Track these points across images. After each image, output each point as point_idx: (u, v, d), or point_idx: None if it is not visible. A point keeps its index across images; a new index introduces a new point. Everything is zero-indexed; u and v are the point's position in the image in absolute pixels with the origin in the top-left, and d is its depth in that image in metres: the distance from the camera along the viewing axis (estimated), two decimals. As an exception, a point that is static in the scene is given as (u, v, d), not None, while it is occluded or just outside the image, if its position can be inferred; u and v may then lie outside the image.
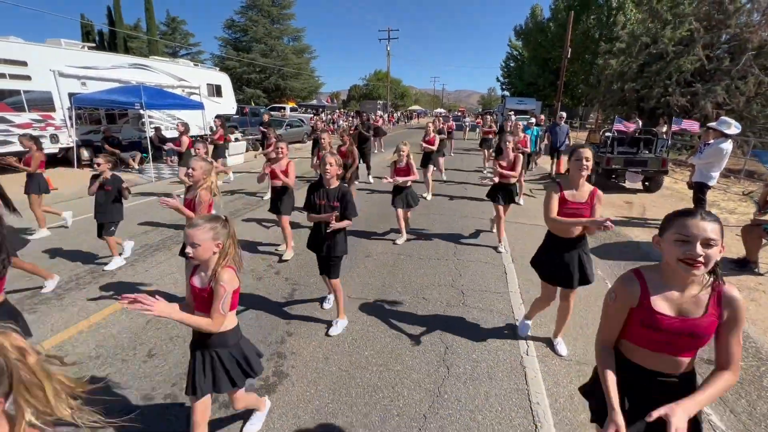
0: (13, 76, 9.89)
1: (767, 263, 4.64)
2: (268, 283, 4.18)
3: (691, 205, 6.48)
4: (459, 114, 44.86)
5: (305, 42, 42.40)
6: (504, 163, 5.09)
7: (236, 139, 14.66)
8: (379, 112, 31.65)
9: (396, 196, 5.28)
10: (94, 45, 14.43)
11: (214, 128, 10.07)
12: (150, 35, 34.43)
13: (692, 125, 8.77)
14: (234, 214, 6.74)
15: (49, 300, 3.74)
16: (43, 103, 10.54)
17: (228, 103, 18.13)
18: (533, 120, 11.20)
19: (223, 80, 18.15)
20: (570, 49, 24.02)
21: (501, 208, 5.13)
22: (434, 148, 7.86)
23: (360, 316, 3.54)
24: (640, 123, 11.41)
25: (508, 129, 8.56)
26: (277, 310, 3.62)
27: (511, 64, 44.49)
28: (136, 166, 11.41)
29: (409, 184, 5.30)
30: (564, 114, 10.40)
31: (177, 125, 8.42)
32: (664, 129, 12.16)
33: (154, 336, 3.18)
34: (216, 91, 17.46)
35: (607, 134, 9.25)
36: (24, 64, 10.09)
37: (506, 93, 45.87)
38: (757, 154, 4.94)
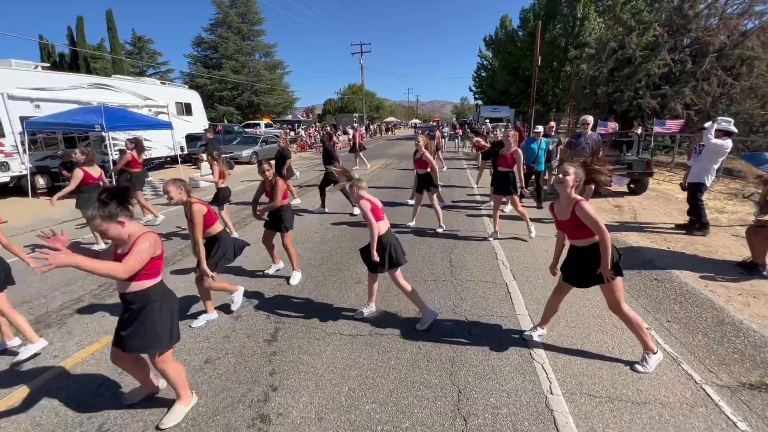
0: (-46, 101, 9.01)
1: (774, 265, 4.47)
2: (246, 322, 3.66)
3: (683, 206, 6.40)
4: (434, 124, 45.22)
5: (278, 57, 42.00)
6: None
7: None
8: (356, 124, 31.42)
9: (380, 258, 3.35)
10: (48, 65, 13.52)
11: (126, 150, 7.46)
12: (114, 55, 33.23)
13: (676, 125, 8.83)
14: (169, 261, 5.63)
15: (-22, 364, 3.10)
16: (-10, 128, 9.65)
17: (199, 122, 17.42)
18: (540, 129, 8.11)
19: (193, 98, 17.49)
20: (540, 57, 24.64)
21: None
22: (428, 170, 6.27)
23: (356, 358, 3.07)
24: (617, 126, 11.54)
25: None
26: (258, 357, 3.11)
27: (483, 74, 45.49)
28: (99, 192, 10.57)
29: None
30: (590, 119, 6.73)
31: (74, 154, 6.00)
32: (639, 131, 12.38)
33: (107, 404, 2.61)
34: (186, 109, 16.76)
35: (589, 138, 9.19)
36: (-34, 87, 9.23)
37: (479, 102, 46.78)
38: (750, 157, 4.86)
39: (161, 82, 17.67)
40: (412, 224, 6.71)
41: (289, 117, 40.39)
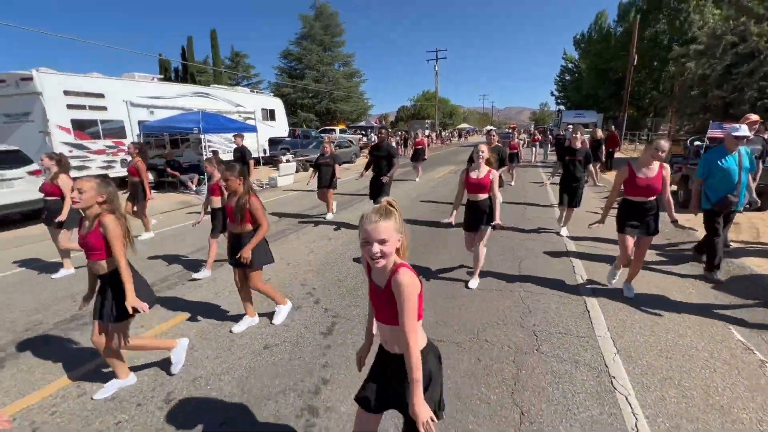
0: (92, 108, 10.86)
1: None
2: (305, 314, 3.73)
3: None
4: (509, 131, 42.90)
5: (355, 66, 43.82)
6: None
7: (287, 161, 15.05)
8: (419, 130, 31.21)
9: None
10: (162, 77, 15.71)
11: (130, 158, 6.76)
12: (216, 68, 37.59)
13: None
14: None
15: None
16: (116, 131, 11.45)
17: (281, 126, 18.81)
18: (743, 130, 4.07)
19: (277, 105, 18.93)
20: (636, 56, 22.17)
21: None
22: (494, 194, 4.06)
23: (409, 362, 2.92)
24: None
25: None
26: (313, 348, 3.13)
27: (567, 78, 42.46)
28: (194, 187, 11.91)
29: None
30: None
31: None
32: (766, 136, 10.35)
33: (177, 377, 2.81)
34: (270, 115, 18.20)
35: (697, 143, 7.91)
36: (101, 96, 11.07)
37: (561, 107, 43.59)
38: None
39: (251, 90, 19.49)
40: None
41: (363, 123, 41.77)
